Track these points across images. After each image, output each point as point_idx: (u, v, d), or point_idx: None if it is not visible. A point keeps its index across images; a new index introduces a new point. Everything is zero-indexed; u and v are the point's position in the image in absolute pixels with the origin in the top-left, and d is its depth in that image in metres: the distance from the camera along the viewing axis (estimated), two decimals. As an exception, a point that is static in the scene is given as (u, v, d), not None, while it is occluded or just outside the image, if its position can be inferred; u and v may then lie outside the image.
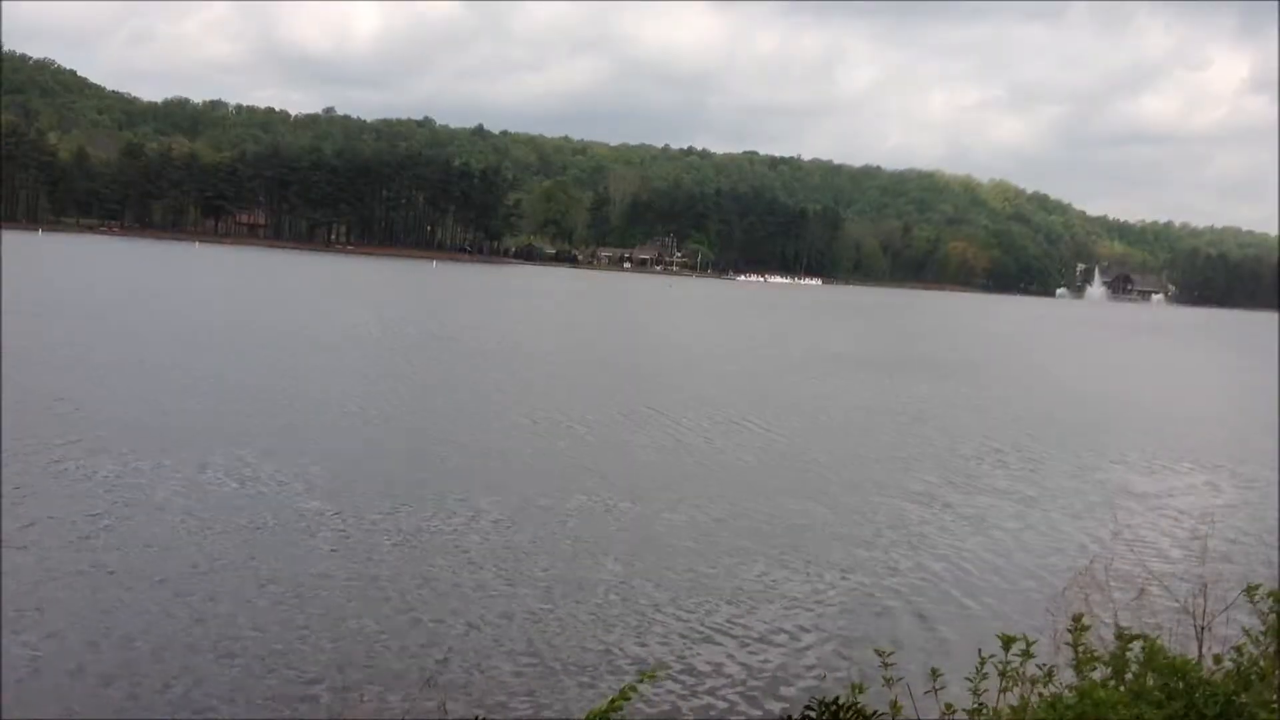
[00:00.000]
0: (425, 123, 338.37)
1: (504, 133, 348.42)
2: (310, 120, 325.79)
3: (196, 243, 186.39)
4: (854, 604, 13.79)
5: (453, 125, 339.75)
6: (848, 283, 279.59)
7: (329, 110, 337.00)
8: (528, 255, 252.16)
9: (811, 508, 18.95)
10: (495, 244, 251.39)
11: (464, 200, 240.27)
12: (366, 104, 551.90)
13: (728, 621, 12.84)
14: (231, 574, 13.29)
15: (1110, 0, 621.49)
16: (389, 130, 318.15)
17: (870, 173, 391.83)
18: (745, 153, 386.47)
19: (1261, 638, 7.43)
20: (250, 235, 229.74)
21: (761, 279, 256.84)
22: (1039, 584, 14.67)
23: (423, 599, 12.96)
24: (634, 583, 14.00)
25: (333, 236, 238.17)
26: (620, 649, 11.75)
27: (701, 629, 12.54)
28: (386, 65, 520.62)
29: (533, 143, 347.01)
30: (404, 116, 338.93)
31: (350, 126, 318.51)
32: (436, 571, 13.99)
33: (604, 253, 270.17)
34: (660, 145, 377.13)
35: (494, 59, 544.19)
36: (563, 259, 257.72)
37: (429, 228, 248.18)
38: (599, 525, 16.82)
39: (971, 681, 5.83)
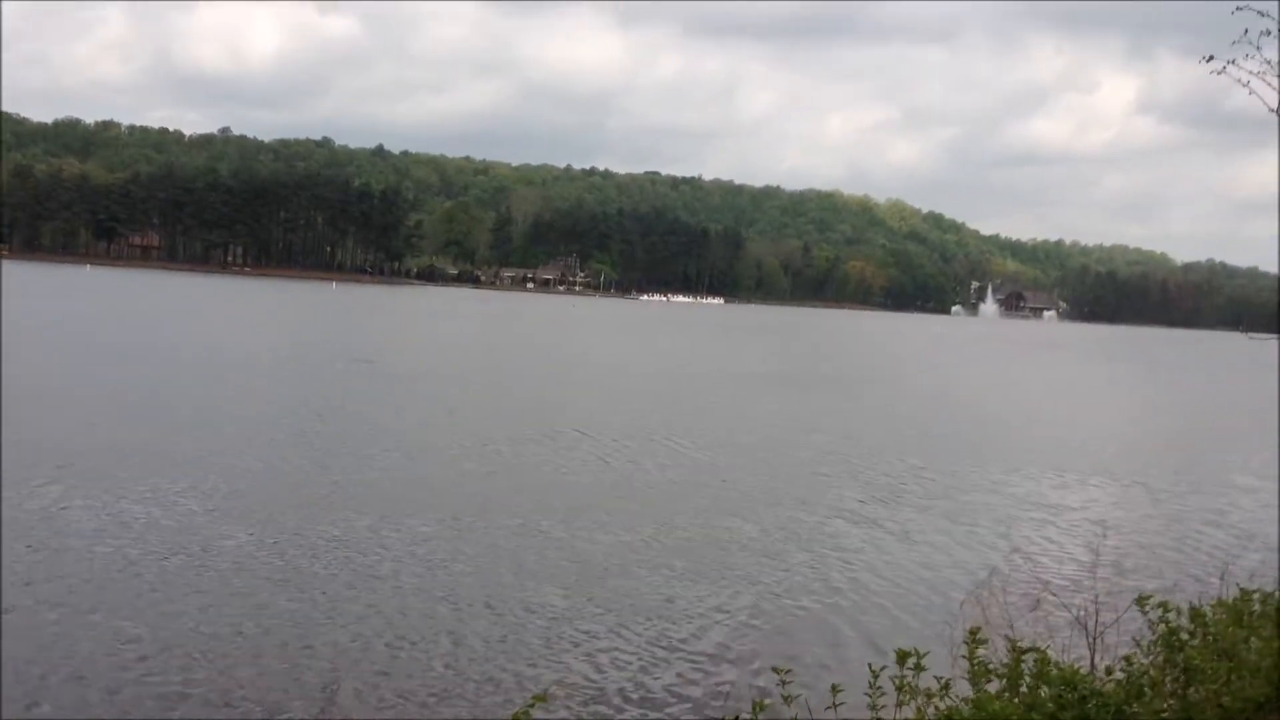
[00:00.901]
0: (324, 143, 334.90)
1: (405, 153, 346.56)
2: (205, 140, 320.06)
3: (88, 265, 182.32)
4: (764, 622, 13.81)
5: (352, 146, 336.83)
6: (749, 301, 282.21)
7: (225, 130, 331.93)
8: (429, 276, 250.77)
9: (730, 525, 18.96)
10: (396, 265, 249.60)
11: (364, 221, 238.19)
12: (264, 124, 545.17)
13: (636, 641, 12.77)
14: (147, 600, 12.96)
15: (1003, 23, 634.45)
16: (287, 150, 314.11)
17: (770, 193, 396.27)
18: (647, 173, 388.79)
19: (1152, 647, 7.60)
20: (144, 258, 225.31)
21: (664, 298, 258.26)
22: (942, 597, 14.84)
23: (334, 619, 12.75)
24: (549, 602, 13.89)
25: (229, 258, 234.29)
26: (528, 669, 11.65)
27: (609, 648, 12.46)
28: (285, 85, 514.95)
29: (434, 163, 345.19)
30: (302, 136, 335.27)
31: (247, 147, 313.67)
32: (353, 593, 13.78)
33: (507, 273, 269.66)
34: (562, 166, 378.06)
35: (395, 80, 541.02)
36: (465, 279, 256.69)
37: (329, 249, 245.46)
38: (521, 545, 16.66)
39: (869, 697, 5.88)
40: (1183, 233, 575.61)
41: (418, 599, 13.88)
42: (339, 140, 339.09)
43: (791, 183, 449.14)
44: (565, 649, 12.39)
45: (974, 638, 6.52)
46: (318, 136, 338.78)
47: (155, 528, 16.36)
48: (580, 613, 13.69)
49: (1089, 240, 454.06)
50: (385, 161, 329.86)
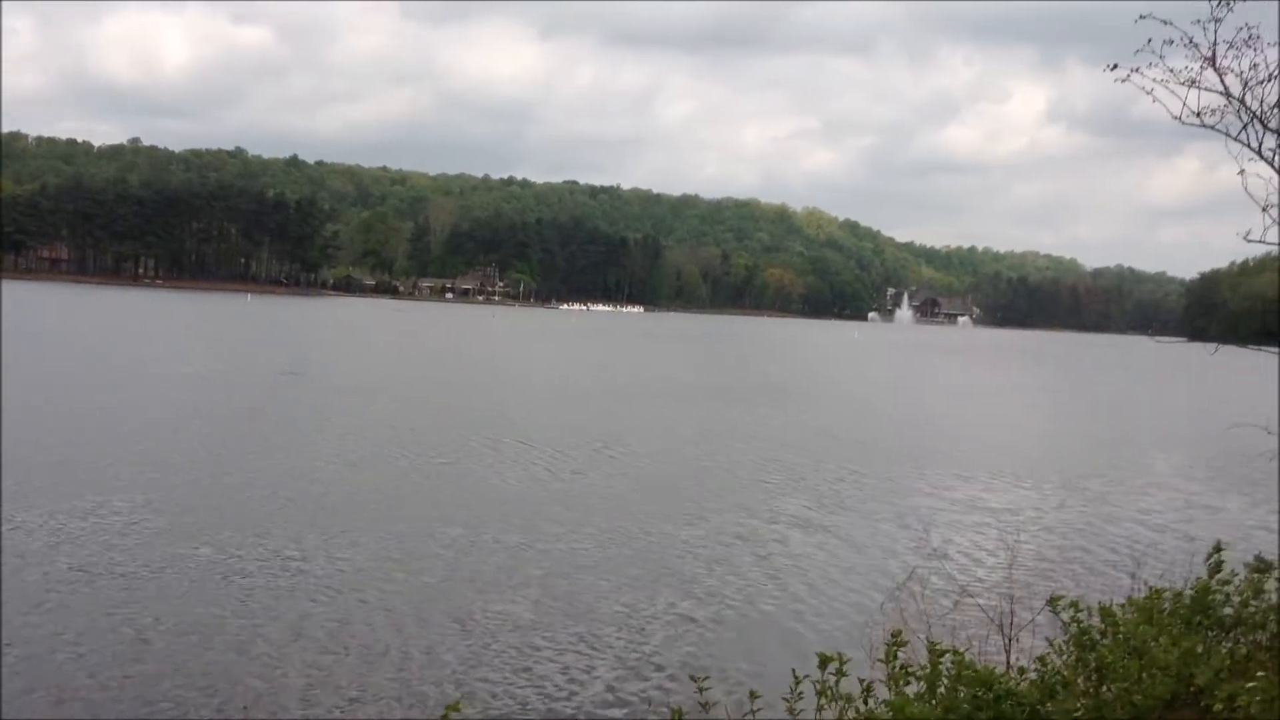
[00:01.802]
0: (237, 153, 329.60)
1: (320, 163, 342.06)
2: (115, 151, 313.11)
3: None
4: (690, 629, 13.85)
5: (266, 156, 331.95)
6: (669, 310, 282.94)
7: (135, 141, 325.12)
8: (347, 287, 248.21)
9: (659, 533, 19.01)
10: (313, 276, 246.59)
11: (279, 232, 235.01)
12: (176, 134, 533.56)
13: (560, 649, 12.77)
14: (82, 617, 12.71)
15: (916, 35, 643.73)
16: (199, 161, 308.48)
17: (689, 201, 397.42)
18: (565, 182, 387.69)
19: (1065, 647, 7.72)
20: (53, 270, 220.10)
21: (584, 307, 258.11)
22: (864, 600, 14.97)
23: (271, 631, 12.71)
24: (476, 611, 13.87)
25: (140, 270, 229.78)
26: (450, 675, 11.64)
27: (533, 656, 12.45)
28: (197, 96, 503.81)
29: (350, 173, 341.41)
30: (215, 147, 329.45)
31: (158, 157, 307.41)
32: (290, 606, 13.74)
33: (425, 283, 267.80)
34: (480, 175, 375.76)
35: (310, 90, 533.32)
36: (383, 290, 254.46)
37: (243, 260, 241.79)
38: (456, 554, 16.59)
39: (788, 702, 5.91)
40: (1093, 239, 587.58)
41: (353, 608, 13.80)
42: (252, 150, 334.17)
43: (709, 191, 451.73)
44: (489, 657, 12.38)
45: (894, 640, 6.59)
46: (230, 147, 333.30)
47: (95, 542, 16.06)
48: (506, 621, 13.66)
49: (1002, 247, 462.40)
50: (300, 172, 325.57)
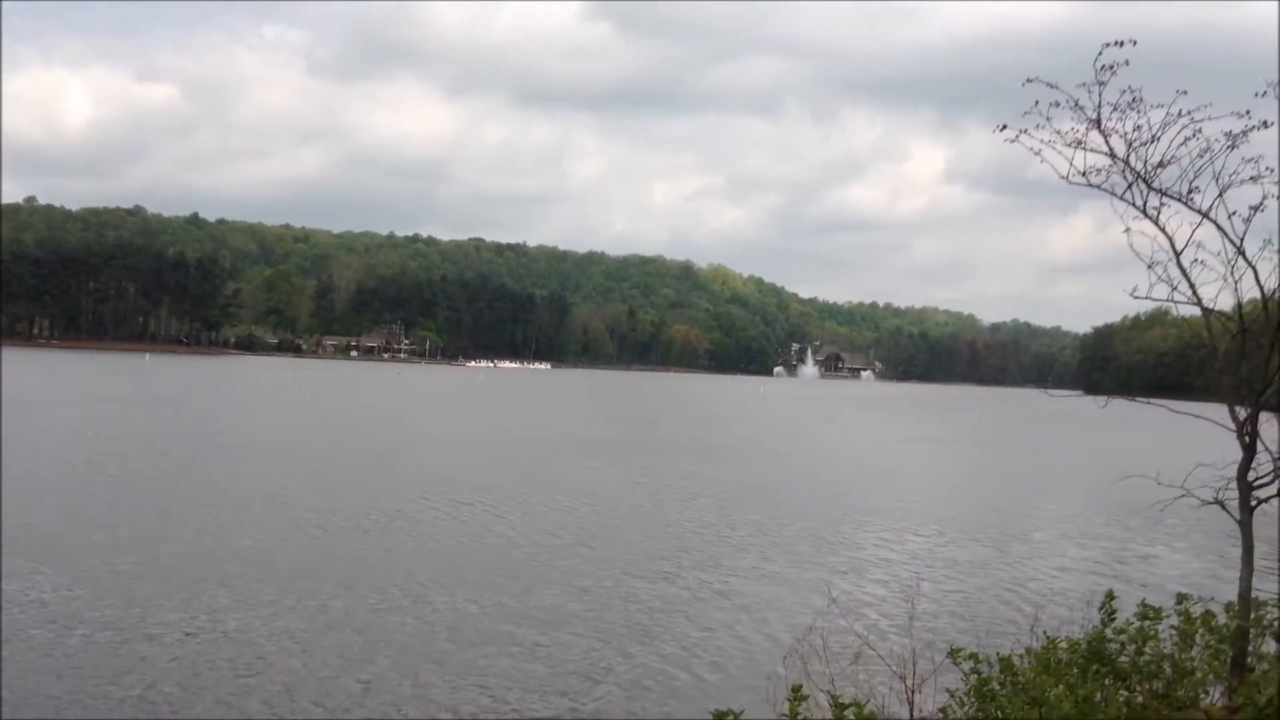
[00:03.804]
0: (136, 211, 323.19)
1: (221, 221, 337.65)
2: (10, 210, 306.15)
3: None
4: (586, 687, 13.75)
5: (166, 214, 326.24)
6: (576, 366, 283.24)
7: (30, 200, 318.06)
8: (249, 345, 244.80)
9: (562, 590, 18.88)
10: (214, 334, 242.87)
11: (179, 290, 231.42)
12: (76, 193, 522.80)
13: (455, 709, 12.61)
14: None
15: (819, 95, 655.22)
16: (96, 220, 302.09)
17: (595, 258, 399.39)
18: (471, 239, 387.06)
19: (966, 698, 7.82)
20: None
21: (491, 364, 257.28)
22: (768, 655, 14.98)
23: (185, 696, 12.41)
24: (368, 673, 13.61)
25: (35, 330, 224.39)
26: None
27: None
28: (99, 153, 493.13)
29: (252, 231, 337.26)
30: (114, 205, 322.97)
31: (54, 216, 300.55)
32: (194, 668, 13.50)
33: (330, 341, 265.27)
34: (385, 233, 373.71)
35: (215, 147, 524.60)
36: (286, 349, 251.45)
37: (141, 319, 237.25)
38: (346, 616, 16.30)
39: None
40: (991, 294, 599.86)
41: (247, 670, 13.48)
42: (153, 209, 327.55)
43: (616, 248, 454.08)
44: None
45: (795, 695, 6.61)
46: (129, 205, 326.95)
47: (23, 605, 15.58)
48: (402, 681, 13.44)
49: (903, 303, 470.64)
50: (201, 230, 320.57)
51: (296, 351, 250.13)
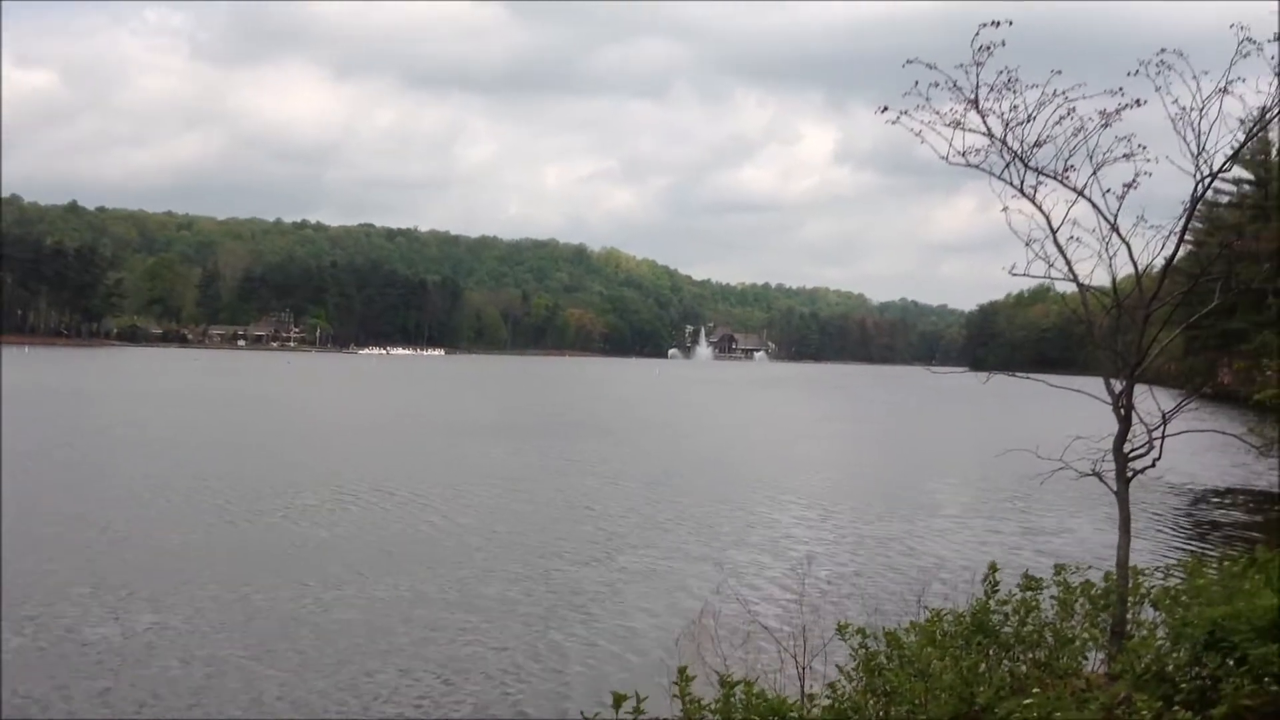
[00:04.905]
0: (11, 200, 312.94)
1: (101, 209, 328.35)
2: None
3: None
4: (481, 671, 13.68)
5: (43, 203, 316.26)
6: (471, 352, 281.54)
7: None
8: (132, 336, 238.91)
9: (461, 576, 18.75)
10: (95, 326, 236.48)
11: (58, 281, 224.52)
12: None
13: (347, 701, 12.46)
14: None
15: (709, 78, 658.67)
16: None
17: (488, 243, 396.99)
18: (361, 225, 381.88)
19: (854, 673, 7.91)
20: None
21: (384, 351, 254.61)
22: (662, 636, 15.04)
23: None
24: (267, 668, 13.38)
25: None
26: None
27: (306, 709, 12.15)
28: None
29: (133, 218, 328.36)
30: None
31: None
32: (111, 668, 13.28)
33: (216, 330, 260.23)
34: (272, 219, 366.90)
35: (95, 134, 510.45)
36: (171, 339, 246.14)
37: (19, 311, 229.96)
38: (279, 611, 16.02)
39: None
40: (880, 274, 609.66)
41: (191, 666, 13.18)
42: (29, 198, 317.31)
43: (510, 232, 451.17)
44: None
45: (683, 675, 6.63)
46: (5, 194, 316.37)
47: None
48: (287, 672, 13.26)
49: (794, 283, 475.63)
50: (80, 218, 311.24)
51: (182, 342, 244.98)
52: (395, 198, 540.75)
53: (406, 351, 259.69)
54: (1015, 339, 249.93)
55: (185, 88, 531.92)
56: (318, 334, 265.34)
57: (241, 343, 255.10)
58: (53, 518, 23.56)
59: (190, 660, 13.93)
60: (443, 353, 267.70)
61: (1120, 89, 9.64)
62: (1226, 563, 10.32)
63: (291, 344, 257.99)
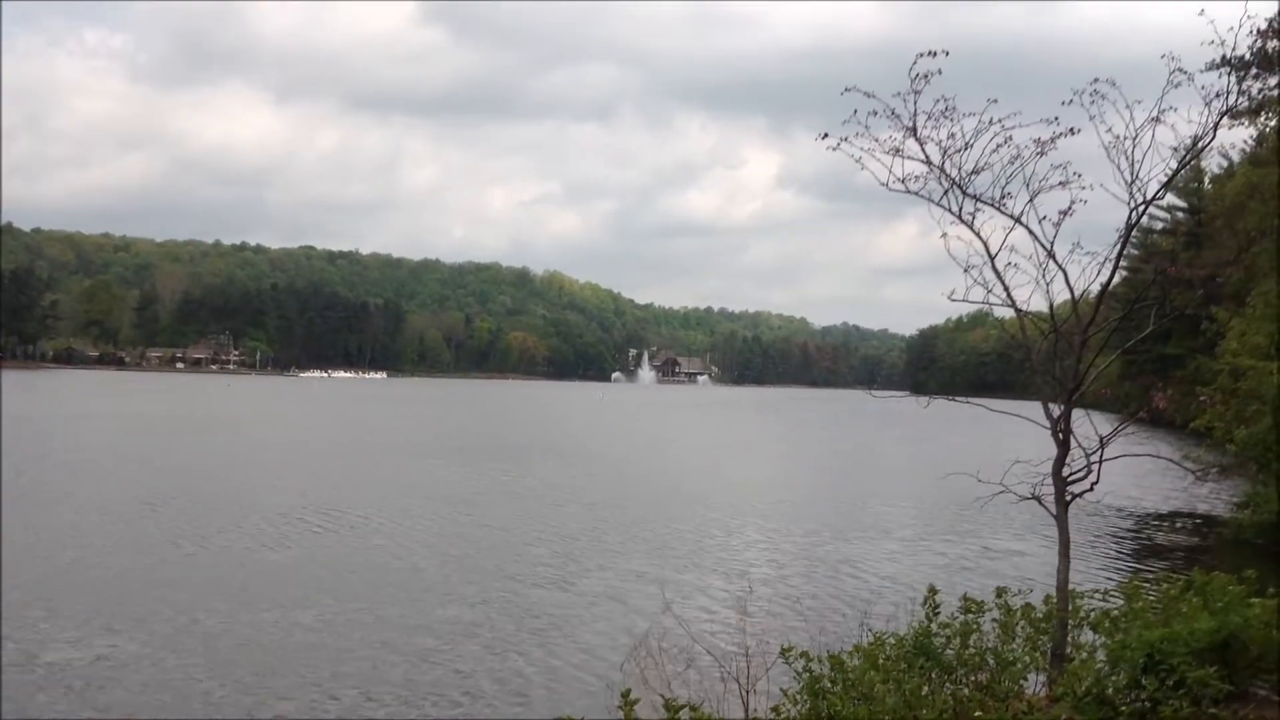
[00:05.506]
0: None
1: (36, 230, 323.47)
2: None
3: None
4: (425, 697, 13.57)
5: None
6: (413, 375, 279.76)
7: None
8: (68, 359, 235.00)
9: (407, 598, 18.58)
10: (30, 348, 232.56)
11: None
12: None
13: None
14: None
15: (653, 102, 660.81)
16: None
17: (430, 266, 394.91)
18: (302, 247, 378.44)
19: (798, 696, 7.92)
20: None
21: (325, 374, 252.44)
22: (605, 660, 14.98)
23: None
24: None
25: None
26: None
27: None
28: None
29: (69, 240, 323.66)
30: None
31: None
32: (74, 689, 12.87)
33: (154, 353, 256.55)
34: (211, 241, 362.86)
35: (31, 156, 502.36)
36: (108, 361, 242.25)
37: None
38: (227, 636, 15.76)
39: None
40: (822, 298, 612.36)
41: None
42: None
43: (453, 256, 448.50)
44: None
45: (626, 700, 6.60)
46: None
47: None
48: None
49: (737, 307, 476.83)
50: (14, 239, 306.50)
51: (119, 364, 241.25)
52: (337, 220, 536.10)
53: (348, 374, 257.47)
54: (955, 363, 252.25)
55: (124, 110, 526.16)
56: (258, 356, 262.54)
57: (180, 365, 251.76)
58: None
59: (148, 686, 13.78)
60: (385, 376, 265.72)
61: (1055, 118, 9.81)
62: (1164, 585, 10.47)
63: (231, 366, 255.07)
